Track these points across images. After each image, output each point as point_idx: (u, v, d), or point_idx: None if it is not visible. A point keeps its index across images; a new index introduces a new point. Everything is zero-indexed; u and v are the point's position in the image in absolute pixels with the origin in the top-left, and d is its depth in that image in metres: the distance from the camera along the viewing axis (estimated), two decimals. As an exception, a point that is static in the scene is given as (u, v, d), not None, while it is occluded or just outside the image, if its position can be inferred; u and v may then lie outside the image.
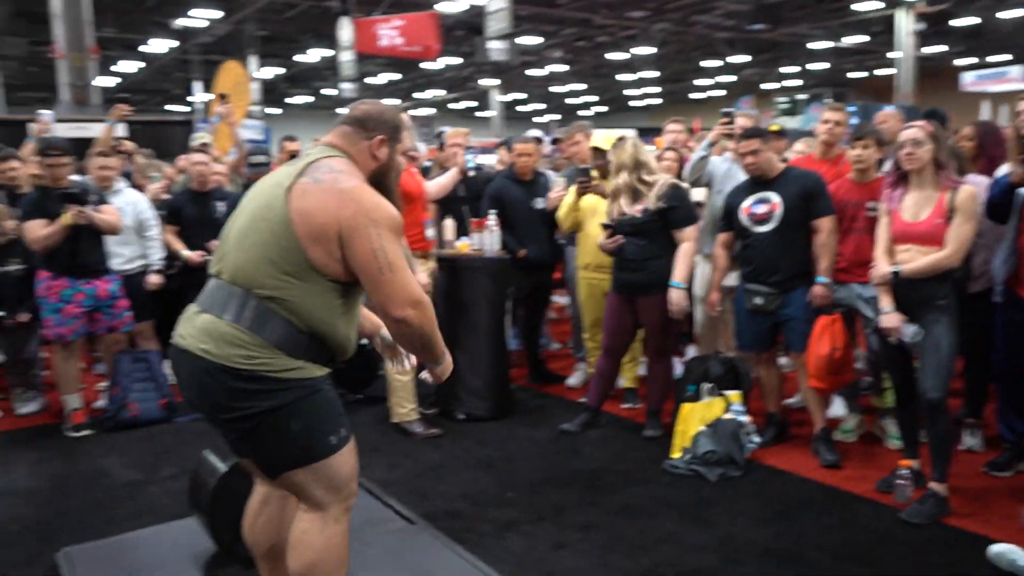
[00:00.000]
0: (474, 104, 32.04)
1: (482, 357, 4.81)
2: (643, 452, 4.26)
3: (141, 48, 20.52)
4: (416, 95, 30.60)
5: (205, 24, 18.31)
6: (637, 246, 4.31)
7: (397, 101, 31.07)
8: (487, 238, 4.85)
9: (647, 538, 3.32)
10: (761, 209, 4.10)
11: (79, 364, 4.84)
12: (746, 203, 4.15)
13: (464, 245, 4.93)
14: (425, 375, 2.44)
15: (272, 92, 28.94)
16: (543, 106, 34.26)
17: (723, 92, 28.22)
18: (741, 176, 4.41)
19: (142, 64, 22.36)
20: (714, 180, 4.71)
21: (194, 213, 5.29)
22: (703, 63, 23.63)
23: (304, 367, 2.17)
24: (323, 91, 28.20)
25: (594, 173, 4.83)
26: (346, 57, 18.72)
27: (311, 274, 2.14)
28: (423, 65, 23.75)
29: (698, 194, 4.82)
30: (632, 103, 33.34)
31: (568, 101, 32.61)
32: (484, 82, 26.12)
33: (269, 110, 31.79)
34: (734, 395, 4.27)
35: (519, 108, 34.51)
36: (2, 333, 5.04)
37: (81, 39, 13.90)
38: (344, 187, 2.15)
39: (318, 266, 2.13)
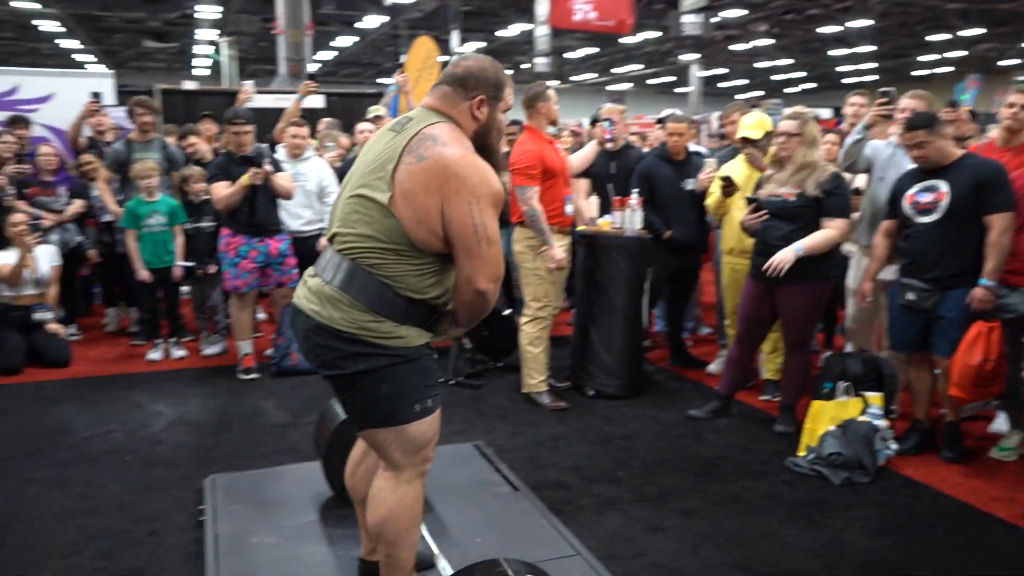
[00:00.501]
0: (672, 80, 31.35)
1: (616, 336, 4.82)
2: (768, 446, 4.11)
3: (356, 24, 21.77)
4: (614, 70, 30.40)
5: (413, 0, 19.13)
6: (782, 231, 4.11)
7: (594, 76, 31.14)
8: (628, 217, 4.83)
9: (748, 532, 3.23)
10: (926, 198, 3.78)
11: (258, 314, 5.36)
12: (912, 190, 3.84)
13: (605, 223, 4.94)
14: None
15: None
16: (745, 82, 32.91)
17: (950, 69, 25.76)
18: (906, 163, 4.08)
19: (356, 39, 23.79)
20: (875, 166, 4.38)
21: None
22: (929, 37, 21.66)
23: (402, 336, 2.25)
24: (523, 66, 28.68)
25: (734, 164, 4.66)
26: (542, 31, 18.97)
27: (413, 251, 2.21)
28: (622, 39, 23.50)
29: (857, 181, 4.52)
30: (845, 80, 31.20)
31: (774, 77, 31.11)
32: (684, 57, 25.43)
33: (471, 84, 32.91)
34: (874, 397, 4.02)
35: (720, 84, 33.37)
36: (194, 282, 5.70)
37: (299, 16, 15.07)
38: (447, 162, 2.17)
39: (420, 245, 2.20)
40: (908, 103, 4.20)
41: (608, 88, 31.98)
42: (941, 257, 3.71)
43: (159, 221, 5.49)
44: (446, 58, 23.59)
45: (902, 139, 3.86)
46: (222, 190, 4.97)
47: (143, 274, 5.44)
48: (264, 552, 3.01)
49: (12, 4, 17.17)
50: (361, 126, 5.86)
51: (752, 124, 4.73)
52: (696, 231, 5.24)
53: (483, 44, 25.57)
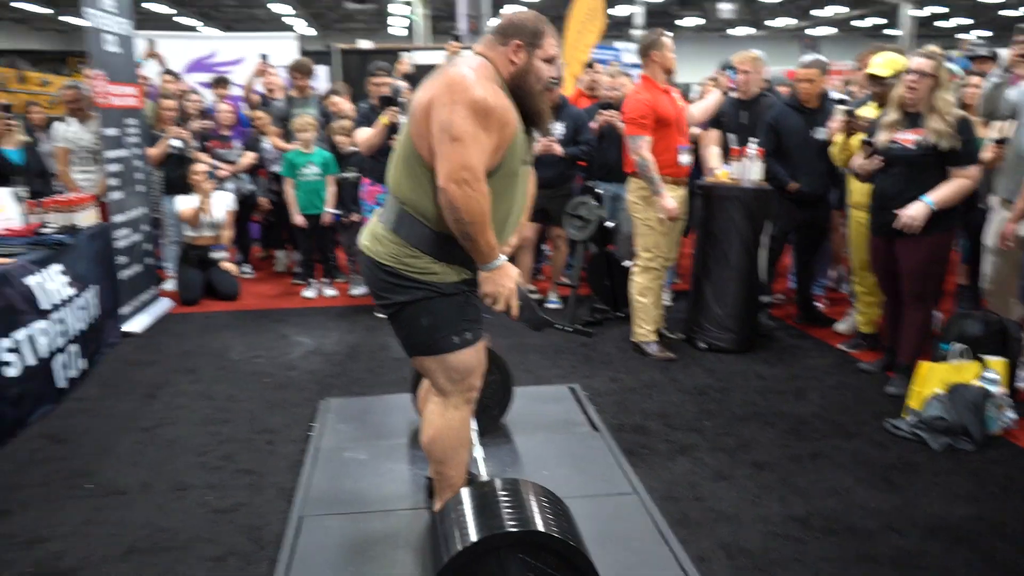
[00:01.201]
0: (881, 22, 28.86)
1: (729, 289, 4.76)
2: (873, 407, 3.96)
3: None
4: (814, 12, 28.44)
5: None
6: (901, 181, 3.90)
7: (792, 21, 29.29)
8: (745, 167, 4.72)
9: (816, 488, 3.19)
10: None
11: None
12: None
13: (723, 173, 4.86)
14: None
15: (663, 16, 29.11)
16: (969, 21, 29.64)
17: None
18: None
19: (543, -8, 23.89)
20: (1021, 112, 4.01)
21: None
22: None
23: (436, 272, 2.43)
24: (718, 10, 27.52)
25: (866, 110, 4.39)
26: (728, -25, 18.18)
27: (422, 169, 2.35)
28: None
29: (1001, 130, 4.15)
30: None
31: (1003, 13, 27.76)
32: (894, -5, 23.34)
33: (660, 33, 32.02)
34: (995, 361, 3.76)
35: (938, 24, 30.27)
36: (343, 228, 6.22)
37: (482, -26, 15.40)
38: (445, 76, 2.30)
39: (425, 161, 2.34)
40: None
41: (808, 32, 30.03)
42: None
43: (314, 171, 6.04)
44: (627, 10, 23.18)
45: None
46: (364, 134, 5.37)
47: (298, 219, 6.03)
48: (353, 465, 3.38)
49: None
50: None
51: (882, 62, 4.44)
52: (825, 183, 5.02)
53: (671, -9, 24.81)
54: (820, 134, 4.94)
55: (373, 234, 2.54)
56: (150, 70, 7.81)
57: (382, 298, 2.53)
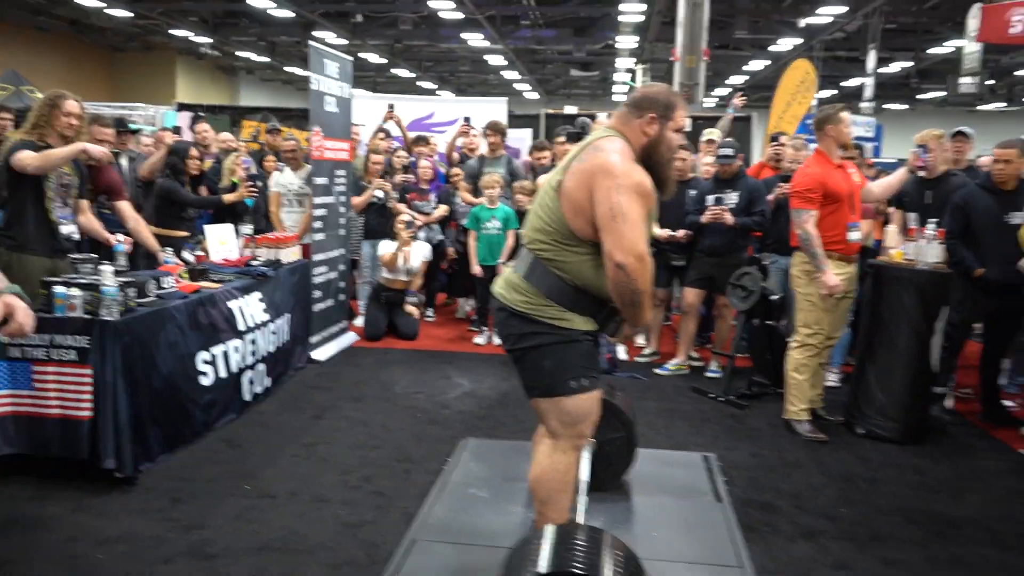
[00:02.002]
0: None
1: (895, 375, 4.50)
2: (1043, 520, 3.58)
3: (771, 48, 21.60)
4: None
5: (830, 20, 18.45)
6: None
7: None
8: (922, 248, 4.47)
9: (946, 595, 2.95)
10: None
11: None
12: None
13: (899, 253, 4.63)
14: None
15: (901, 88, 27.59)
16: None
17: None
18: None
19: (768, 62, 23.59)
20: None
21: (669, 199, 5.96)
22: None
23: (568, 319, 2.62)
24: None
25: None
26: (971, 48, 17.02)
27: (575, 240, 2.58)
28: (1093, 51, 19.87)
29: None
30: None
31: None
32: None
33: (893, 106, 30.36)
34: None
35: None
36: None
37: (696, 42, 15.62)
38: (600, 160, 2.52)
39: (579, 234, 2.57)
40: None
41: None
42: None
43: (496, 225, 6.43)
44: (857, 81, 22.28)
45: None
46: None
47: (476, 269, 6.43)
48: (474, 500, 3.57)
49: (470, 44, 20.37)
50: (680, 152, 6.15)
51: None
52: (1017, 272, 4.61)
53: (908, 64, 23.55)
54: (1016, 219, 4.58)
55: (508, 283, 2.75)
56: (390, 128, 8.67)
57: (512, 340, 2.71)
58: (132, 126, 6.44)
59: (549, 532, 2.34)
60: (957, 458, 4.33)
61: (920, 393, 4.54)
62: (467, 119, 7.63)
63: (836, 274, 4.46)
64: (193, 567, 2.98)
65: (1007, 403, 5.10)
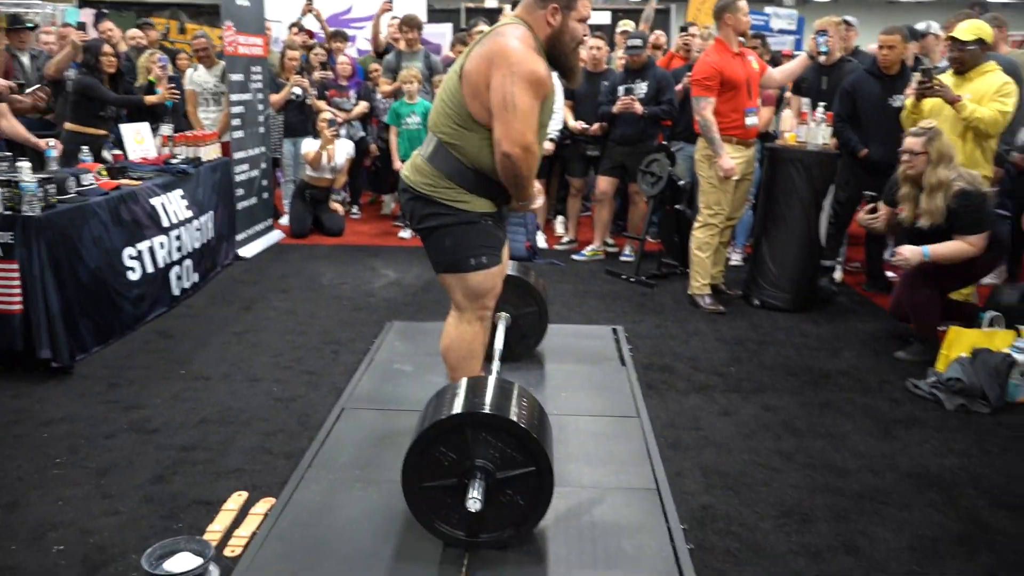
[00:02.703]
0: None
1: (787, 250, 4.89)
2: (904, 368, 4.05)
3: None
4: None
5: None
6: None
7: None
8: (812, 131, 4.80)
9: (813, 431, 3.38)
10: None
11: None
12: None
13: (791, 136, 4.95)
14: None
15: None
16: None
17: None
18: None
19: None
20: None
21: (585, 91, 6.17)
22: None
23: (468, 201, 2.80)
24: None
25: (945, 77, 4.39)
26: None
27: (473, 124, 2.72)
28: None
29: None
30: None
31: None
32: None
33: (816, -1, 30.61)
34: (1030, 331, 3.76)
35: None
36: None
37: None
38: (498, 46, 2.63)
39: (476, 118, 2.70)
40: None
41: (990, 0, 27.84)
42: None
43: (416, 120, 6.53)
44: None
45: None
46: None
47: (398, 164, 6.54)
48: (397, 374, 3.86)
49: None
50: (591, 42, 6.27)
51: (965, 27, 4.40)
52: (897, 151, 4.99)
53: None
54: (898, 102, 4.93)
55: (413, 165, 2.92)
56: (308, 23, 8.48)
57: (416, 219, 2.91)
58: (28, 24, 6.21)
59: (461, 383, 2.62)
60: (838, 321, 4.79)
61: (809, 266, 4.95)
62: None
63: (734, 158, 4.77)
64: (136, 439, 3.20)
65: (889, 274, 5.58)
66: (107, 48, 5.70)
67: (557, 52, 2.76)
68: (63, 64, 5.79)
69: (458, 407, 2.44)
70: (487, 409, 2.43)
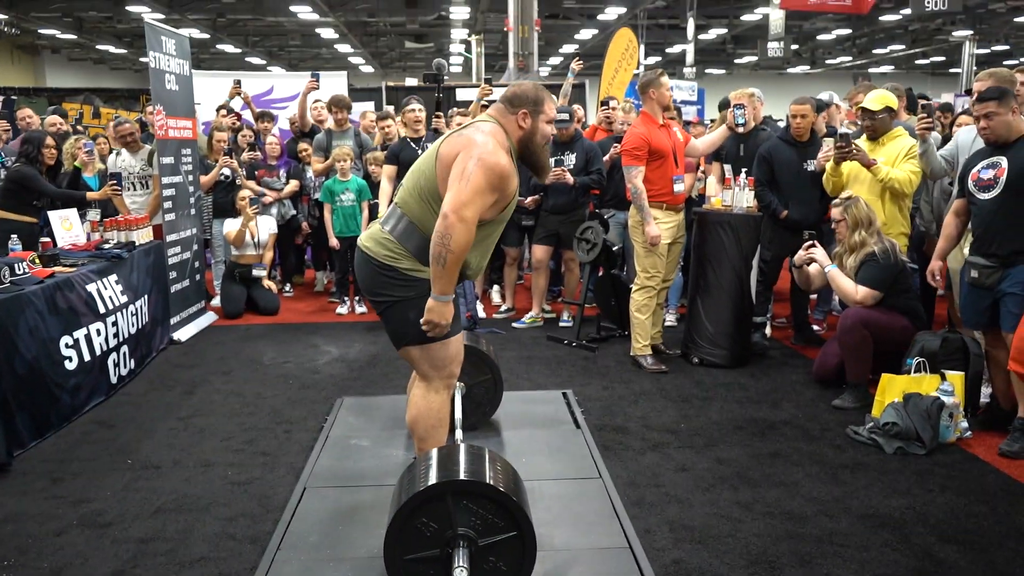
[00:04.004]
0: (941, 60, 28.77)
1: (721, 308, 5.10)
2: (843, 417, 4.25)
3: (599, 16, 22.35)
4: (876, 51, 28.45)
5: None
6: None
7: (849, 59, 29.34)
8: (736, 195, 5.09)
9: (768, 480, 3.51)
10: (987, 175, 3.76)
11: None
12: (976, 168, 3.84)
13: (717, 201, 5.23)
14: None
15: (719, 53, 29.46)
16: (1031, 58, 29.26)
17: None
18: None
19: (596, 31, 24.51)
20: (961, 154, 4.37)
21: (517, 164, 6.35)
22: None
23: (427, 272, 2.83)
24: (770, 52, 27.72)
25: (861, 140, 4.77)
26: (776, 15, 18.51)
27: (439, 202, 2.77)
28: (882, 18, 21.96)
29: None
30: None
31: (1066, 51, 27.40)
32: (956, 33, 23.24)
33: (713, 71, 32.44)
34: (954, 376, 4.02)
35: (1006, 62, 29.94)
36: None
37: (528, 13, 16.04)
38: (472, 136, 2.79)
39: (443, 196, 2.76)
40: (976, 85, 4.22)
41: (871, 71, 29.99)
42: (1002, 233, 3.68)
43: (350, 197, 6.59)
44: (679, 47, 23.59)
45: (975, 111, 3.84)
46: (391, 171, 5.92)
47: (333, 242, 6.58)
48: (355, 449, 3.83)
49: (299, 16, 19.92)
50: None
51: (873, 97, 4.80)
52: (815, 211, 5.33)
53: (723, 31, 25.19)
54: (811, 166, 5.28)
55: (373, 237, 2.98)
56: (235, 105, 8.51)
57: (376, 294, 2.96)
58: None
59: (433, 453, 2.64)
60: (775, 374, 5.00)
61: (743, 322, 5.18)
62: (314, 75, 7.62)
63: (666, 223, 5.01)
64: (88, 535, 3.08)
65: (814, 328, 5.88)
66: (49, 140, 5.62)
67: (529, 151, 2.94)
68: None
69: (435, 476, 2.47)
70: (466, 475, 2.46)
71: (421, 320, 2.81)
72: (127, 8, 17.76)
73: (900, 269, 4.42)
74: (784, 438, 4.00)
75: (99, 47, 24.17)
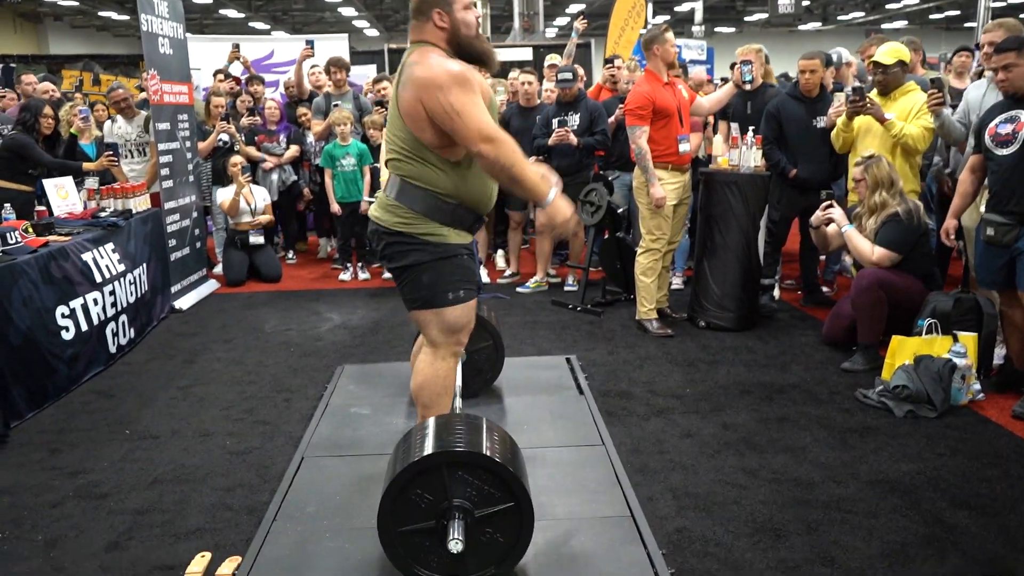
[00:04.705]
0: (956, 13, 28.13)
1: (728, 270, 5.00)
2: (852, 379, 4.17)
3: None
4: (889, 6, 27.83)
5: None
6: None
7: (862, 15, 28.74)
8: (743, 154, 4.95)
9: (774, 446, 3.43)
10: (1005, 129, 3.62)
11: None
12: (993, 123, 3.70)
13: (724, 160, 5.10)
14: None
15: (729, 11, 28.90)
16: (1051, 11, 28.55)
17: None
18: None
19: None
20: (972, 113, 4.23)
21: (519, 126, 6.23)
22: None
23: (444, 235, 2.76)
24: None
25: (872, 94, 4.61)
26: (786, -30, 18.08)
27: (427, 152, 2.70)
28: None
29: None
30: None
31: (1084, 4, 26.68)
32: (972, -17, 22.63)
33: (722, 29, 31.85)
34: (966, 336, 3.92)
35: (1022, 15, 29.27)
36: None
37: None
38: (415, 77, 2.61)
39: (429, 145, 2.69)
40: (988, 36, 4.08)
41: (884, 26, 29.39)
42: (1021, 190, 3.55)
43: (350, 162, 6.48)
44: (688, 5, 23.14)
45: (989, 62, 3.69)
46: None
47: (335, 207, 6.48)
48: (355, 418, 3.78)
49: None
50: (523, 77, 6.37)
51: (886, 50, 4.63)
52: (825, 170, 5.19)
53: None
54: (821, 123, 5.13)
55: (382, 205, 2.88)
56: (235, 70, 8.39)
57: (392, 260, 2.85)
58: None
59: (429, 423, 2.57)
60: (783, 337, 4.91)
61: (751, 285, 5.07)
62: (309, 42, 7.46)
63: (671, 183, 4.88)
64: (84, 507, 3.04)
65: (824, 289, 5.77)
66: (48, 110, 5.53)
67: (463, 46, 2.74)
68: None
69: (431, 447, 2.40)
70: (462, 446, 2.39)
71: (547, 226, 2.70)
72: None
73: (923, 232, 4.29)
74: (791, 402, 3.92)
75: (101, 13, 23.89)
